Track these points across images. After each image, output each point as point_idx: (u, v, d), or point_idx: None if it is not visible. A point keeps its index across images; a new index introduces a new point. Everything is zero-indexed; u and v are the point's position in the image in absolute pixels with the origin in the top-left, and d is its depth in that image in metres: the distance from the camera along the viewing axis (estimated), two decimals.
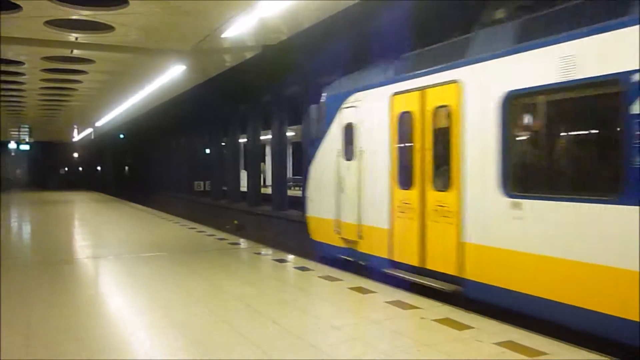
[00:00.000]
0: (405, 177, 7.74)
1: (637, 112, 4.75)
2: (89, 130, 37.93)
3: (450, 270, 6.77)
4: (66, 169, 58.85)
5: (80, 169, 59.88)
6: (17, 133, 37.86)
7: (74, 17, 11.39)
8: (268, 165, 33.11)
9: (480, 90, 6.48)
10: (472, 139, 6.58)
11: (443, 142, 7.10)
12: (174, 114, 29.04)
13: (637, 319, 4.67)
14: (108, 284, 8.03)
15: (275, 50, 12.67)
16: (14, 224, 18.77)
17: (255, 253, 10.42)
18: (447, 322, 5.77)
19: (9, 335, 5.31)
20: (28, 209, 24.99)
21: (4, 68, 16.68)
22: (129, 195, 32.10)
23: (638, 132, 4.76)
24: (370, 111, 8.54)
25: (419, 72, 7.54)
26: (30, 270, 9.06)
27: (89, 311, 6.37)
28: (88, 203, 27.66)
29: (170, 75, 16.23)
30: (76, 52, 14.68)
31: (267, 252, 10.62)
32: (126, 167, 53.36)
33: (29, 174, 54.52)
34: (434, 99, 7.25)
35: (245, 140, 28.42)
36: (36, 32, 12.41)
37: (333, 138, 9.50)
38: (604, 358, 4.69)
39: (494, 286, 6.15)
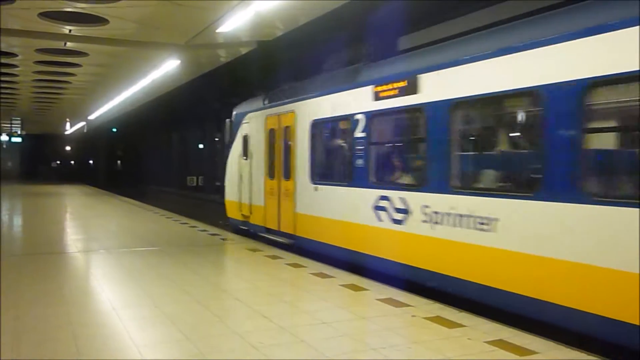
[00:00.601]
0: (271, 171, 11.58)
1: (355, 135, 8.63)
2: (82, 124, 37.76)
3: (290, 231, 10.45)
4: (58, 162, 58.59)
5: (73, 162, 59.62)
6: (9, 125, 37.65)
7: (68, 9, 11.33)
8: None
9: (303, 117, 10.27)
10: (299, 147, 10.34)
11: (288, 149, 10.84)
12: (168, 108, 28.98)
13: (359, 250, 8.44)
14: (99, 277, 8.00)
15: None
16: (4, 217, 18.67)
17: (249, 249, 10.41)
18: (438, 320, 5.79)
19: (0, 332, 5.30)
20: (18, 201, 24.85)
21: None
22: (121, 189, 31.98)
23: (357, 147, 8.59)
24: (257, 126, 12.37)
25: (277, 103, 11.47)
26: (19, 264, 9.03)
27: (80, 305, 6.37)
28: (79, 196, 27.54)
29: (165, 69, 16.19)
30: (70, 45, 14.60)
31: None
32: (119, 161, 53.18)
33: (21, 166, 54.21)
34: (284, 121, 11.05)
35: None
36: (30, 23, 12.35)
37: (238, 143, 13.38)
38: (593, 358, 4.72)
39: (308, 239, 9.85)
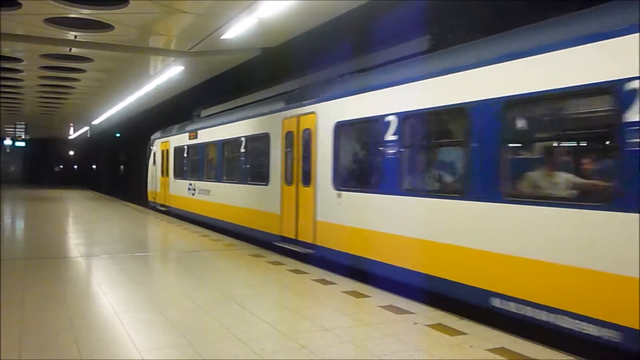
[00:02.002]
0: (163, 173, 19.71)
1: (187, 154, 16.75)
2: (86, 129, 37.86)
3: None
4: (61, 166, 58.66)
5: (76, 166, 59.71)
6: (13, 130, 37.78)
7: (73, 16, 11.41)
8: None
9: (172, 145, 18.49)
10: (169, 162, 19.49)
11: (167, 162, 19.54)
12: (172, 114, 29.02)
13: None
14: (101, 282, 8.02)
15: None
16: (7, 221, 18.72)
17: (250, 255, 10.42)
18: (439, 327, 5.80)
19: (2, 335, 5.32)
20: (21, 206, 24.91)
21: (1, 65, 16.67)
22: (124, 194, 32.01)
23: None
24: (159, 148, 21.46)
25: (163, 136, 20.73)
26: (22, 268, 9.05)
27: (83, 309, 6.39)
28: (82, 201, 27.60)
29: (168, 75, 16.26)
30: (75, 50, 14.69)
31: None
32: (122, 166, 53.25)
33: (24, 170, 54.31)
34: (165, 146, 20.24)
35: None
36: (36, 29, 12.43)
37: (153, 157, 22.63)
38: None
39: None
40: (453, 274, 6.65)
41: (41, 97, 24.09)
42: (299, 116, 10.51)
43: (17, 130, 37.62)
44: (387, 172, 7.91)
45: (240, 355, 4.85)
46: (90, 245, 12.09)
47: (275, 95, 12.37)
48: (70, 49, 14.47)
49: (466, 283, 6.45)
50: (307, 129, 10.16)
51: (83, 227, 16.48)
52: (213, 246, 11.70)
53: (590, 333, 4.99)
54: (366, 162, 8.94)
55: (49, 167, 55.23)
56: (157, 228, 15.53)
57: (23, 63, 16.68)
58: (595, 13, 5.45)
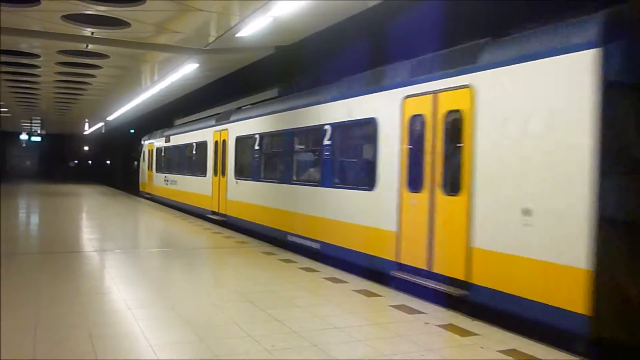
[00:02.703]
0: (150, 168, 25.73)
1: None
2: (100, 124, 38.14)
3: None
4: (76, 161, 59.17)
5: (90, 162, 60.18)
6: (29, 125, 38.17)
7: (90, 12, 11.50)
8: None
9: (153, 146, 25.41)
10: (148, 162, 26.96)
11: (152, 159, 25.55)
12: (186, 111, 29.18)
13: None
14: (114, 277, 8.10)
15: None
16: (21, 215, 18.94)
17: (263, 252, 10.46)
18: (450, 327, 5.79)
19: (17, 329, 5.40)
20: (36, 201, 25.19)
21: (18, 60, 16.86)
22: (138, 190, 32.23)
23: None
24: (146, 148, 26.98)
25: (149, 137, 26.31)
26: (37, 262, 9.17)
27: (96, 304, 6.46)
28: (96, 196, 27.84)
29: (183, 73, 16.34)
30: (91, 47, 14.81)
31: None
32: (135, 162, 53.58)
33: (39, 165, 54.88)
34: (150, 147, 25.87)
35: None
36: (53, 25, 12.55)
37: (143, 155, 27.52)
38: None
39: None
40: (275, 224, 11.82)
41: (57, 92, 24.31)
42: (220, 130, 15.84)
43: (33, 125, 37.98)
44: (257, 167, 13.16)
45: (250, 352, 4.88)
46: (103, 240, 12.21)
47: (213, 115, 17.61)
48: (87, 46, 14.59)
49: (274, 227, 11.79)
50: (224, 139, 15.42)
51: (97, 222, 16.64)
52: (225, 243, 11.76)
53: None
54: (250, 161, 13.67)
55: (64, 162, 55.77)
56: (171, 224, 15.64)
57: (40, 59, 16.85)
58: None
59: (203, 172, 17.12)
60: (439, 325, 5.86)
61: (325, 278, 8.19)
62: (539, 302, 5.58)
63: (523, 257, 5.85)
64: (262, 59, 14.99)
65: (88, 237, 12.46)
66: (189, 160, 19.40)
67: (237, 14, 10.92)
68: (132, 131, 39.22)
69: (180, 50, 14.49)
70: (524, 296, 5.79)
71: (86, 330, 5.34)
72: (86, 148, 57.00)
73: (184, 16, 11.43)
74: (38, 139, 40.33)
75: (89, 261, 9.49)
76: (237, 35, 11.89)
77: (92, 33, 13.25)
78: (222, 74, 18.03)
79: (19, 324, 5.47)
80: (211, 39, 13.22)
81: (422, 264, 7.34)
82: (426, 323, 5.97)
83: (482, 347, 5.19)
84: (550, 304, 5.47)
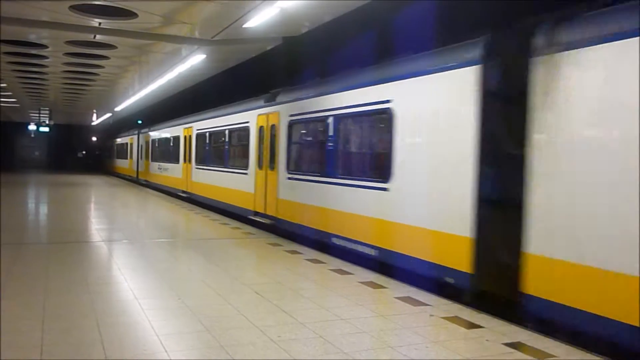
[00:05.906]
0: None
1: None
2: (108, 115, 38.25)
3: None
4: (84, 152, 59.38)
5: (98, 152, 60.39)
6: (37, 115, 38.32)
7: (98, 3, 11.51)
8: None
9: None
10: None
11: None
12: (193, 101, 29.22)
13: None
14: (121, 267, 8.15)
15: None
16: (30, 205, 19.07)
17: (269, 243, 10.49)
18: (456, 320, 5.80)
19: (25, 318, 5.46)
20: (45, 191, 25.34)
21: (27, 51, 16.91)
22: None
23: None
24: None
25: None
26: (46, 251, 9.24)
27: (104, 294, 6.51)
28: (103, 187, 27.98)
29: (191, 64, 16.32)
30: (99, 37, 14.83)
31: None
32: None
33: (48, 156, 55.12)
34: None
35: None
36: (61, 16, 12.56)
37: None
38: None
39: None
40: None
41: (65, 83, 24.38)
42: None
43: (41, 115, 38.13)
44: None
45: (257, 343, 4.91)
46: (111, 230, 12.28)
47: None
48: (95, 36, 14.61)
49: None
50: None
51: (104, 212, 16.73)
52: (232, 234, 11.80)
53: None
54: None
55: (72, 152, 55.93)
56: (177, 215, 15.70)
57: (48, 49, 16.89)
58: None
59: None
60: (444, 318, 5.87)
61: (331, 269, 8.21)
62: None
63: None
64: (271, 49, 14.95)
65: (96, 227, 12.53)
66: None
67: (244, 5, 10.88)
68: (140, 122, 39.31)
69: (187, 40, 14.48)
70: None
71: (94, 319, 5.39)
72: (94, 138, 57.18)
73: (191, 7, 11.42)
74: (46, 129, 40.43)
75: (97, 251, 9.55)
76: (244, 25, 11.87)
77: (100, 24, 13.26)
78: (230, 64, 18.02)
79: (27, 313, 5.53)
80: (218, 30, 13.20)
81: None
82: (431, 315, 5.98)
83: (487, 340, 5.19)
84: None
